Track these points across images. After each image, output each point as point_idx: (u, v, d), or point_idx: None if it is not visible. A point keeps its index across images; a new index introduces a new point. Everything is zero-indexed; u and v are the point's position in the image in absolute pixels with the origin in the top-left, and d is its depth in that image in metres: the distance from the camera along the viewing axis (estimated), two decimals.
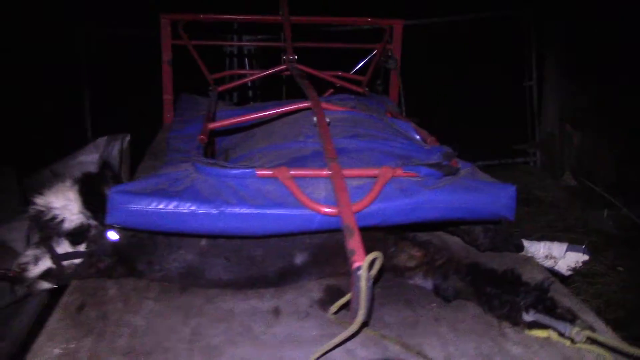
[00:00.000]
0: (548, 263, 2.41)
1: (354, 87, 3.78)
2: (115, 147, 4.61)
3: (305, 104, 2.58)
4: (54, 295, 2.19)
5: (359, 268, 1.48)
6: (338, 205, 1.78)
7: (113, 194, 1.83)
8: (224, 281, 2.08)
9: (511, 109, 6.70)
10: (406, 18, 4.51)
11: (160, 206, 1.82)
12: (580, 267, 2.45)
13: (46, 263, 2.06)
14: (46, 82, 6.86)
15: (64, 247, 2.07)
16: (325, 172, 1.96)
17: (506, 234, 2.34)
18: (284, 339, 1.79)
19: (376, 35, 4.97)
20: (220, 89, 3.61)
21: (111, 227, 2.04)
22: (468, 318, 1.93)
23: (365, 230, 1.73)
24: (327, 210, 1.80)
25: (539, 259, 2.40)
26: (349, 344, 1.71)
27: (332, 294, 2.05)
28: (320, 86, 3.58)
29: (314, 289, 2.09)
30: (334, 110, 2.63)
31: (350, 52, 5.01)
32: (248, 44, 6.02)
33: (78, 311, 1.91)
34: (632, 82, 5.20)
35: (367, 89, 3.93)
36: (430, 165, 2.03)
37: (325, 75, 3.70)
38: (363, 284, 1.46)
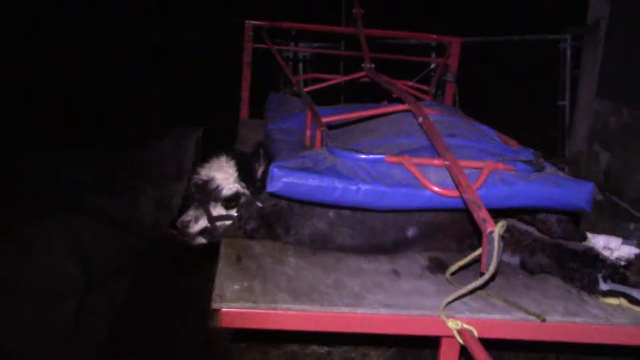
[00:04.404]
0: (606, 253, 2.85)
1: (421, 96, 4.24)
2: (192, 139, 5.08)
3: (405, 107, 3.03)
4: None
5: (492, 232, 1.92)
6: (459, 187, 2.23)
7: (274, 168, 2.28)
8: (347, 246, 2.54)
9: (545, 126, 7.17)
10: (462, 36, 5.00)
11: (310, 180, 2.27)
12: (632, 258, 2.89)
13: (203, 222, 2.52)
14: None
15: (218, 210, 2.53)
16: (443, 162, 2.40)
17: (574, 225, 2.78)
18: (409, 290, 2.24)
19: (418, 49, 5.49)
20: (307, 89, 4.05)
21: (262, 196, 2.50)
22: (552, 287, 2.38)
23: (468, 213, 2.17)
24: (447, 191, 2.26)
25: (599, 248, 2.84)
26: (465, 298, 2.15)
27: (437, 263, 2.50)
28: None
29: (423, 258, 2.54)
30: (430, 113, 3.08)
31: (401, 63, 5.47)
32: (326, 50, 6.47)
33: (238, 261, 2.36)
34: None
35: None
36: (524, 162, 2.48)
37: (398, 83, 4.15)
38: (496, 243, 1.90)
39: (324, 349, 3.60)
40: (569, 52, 6.92)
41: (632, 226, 5.59)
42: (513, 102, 8.15)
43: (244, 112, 4.76)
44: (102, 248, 3.68)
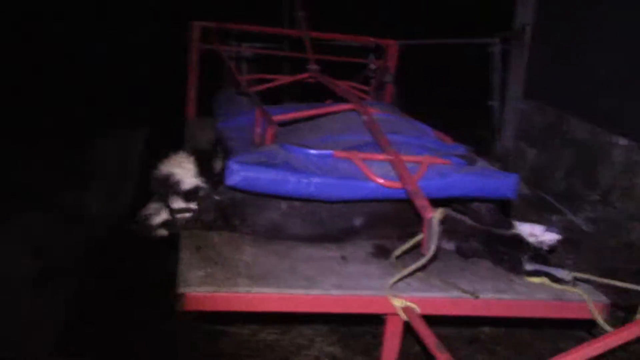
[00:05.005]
0: (531, 239, 3.16)
1: (362, 95, 4.48)
2: (140, 137, 5.17)
3: (350, 106, 3.25)
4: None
5: (432, 217, 2.16)
6: (401, 179, 2.46)
7: (233, 163, 2.45)
8: (299, 236, 2.74)
9: (475, 126, 7.59)
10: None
11: (266, 174, 2.46)
12: (554, 244, 3.21)
13: (164, 215, 2.67)
14: None
15: (178, 203, 2.68)
16: (386, 157, 2.64)
17: (502, 215, 3.07)
18: (358, 274, 2.46)
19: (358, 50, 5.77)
20: (254, 89, 4.22)
21: (219, 190, 2.67)
22: (483, 269, 2.65)
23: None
24: (390, 183, 2.49)
25: (525, 235, 3.14)
26: (408, 280, 2.39)
27: (381, 249, 2.73)
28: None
29: (368, 245, 2.77)
30: (373, 112, 3.31)
31: (341, 63, 5.70)
32: (271, 51, 6.62)
33: (198, 251, 2.52)
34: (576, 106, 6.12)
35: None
36: (459, 156, 2.75)
37: (341, 84, 4.38)
38: (435, 227, 2.14)
39: (272, 336, 3.79)
40: (497, 55, 7.34)
41: (554, 218, 6.04)
42: (447, 102, 8.56)
43: (191, 111, 4.87)
44: (56, 241, 3.76)
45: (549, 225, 3.14)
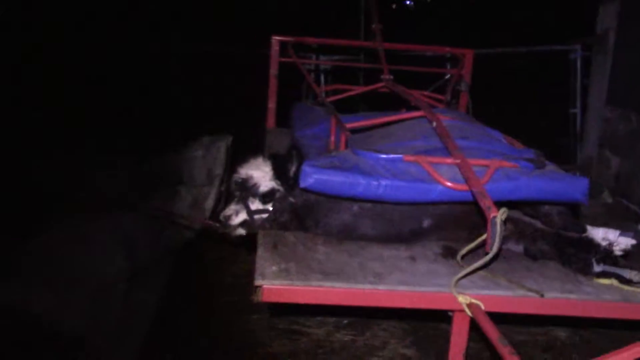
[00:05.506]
0: (604, 244, 3.14)
1: (437, 104, 4.57)
2: (221, 146, 5.45)
3: (420, 113, 3.36)
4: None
5: (495, 216, 2.24)
6: (467, 181, 2.55)
7: (306, 166, 2.63)
8: (369, 236, 2.87)
9: (557, 133, 7.47)
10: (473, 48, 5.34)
11: (337, 177, 2.61)
12: (629, 249, 3.17)
13: (243, 215, 2.88)
14: None
15: (256, 205, 2.88)
16: (454, 161, 2.73)
17: (573, 218, 3.08)
18: (425, 272, 2.57)
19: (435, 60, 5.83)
20: (331, 99, 4.41)
21: (294, 192, 2.85)
22: (551, 270, 2.69)
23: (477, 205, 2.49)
24: (457, 185, 2.58)
25: (598, 239, 3.13)
26: (471, 277, 2.47)
27: (449, 250, 2.82)
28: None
29: (436, 246, 2.87)
30: (443, 118, 3.41)
31: (418, 74, 5.81)
32: (347, 63, 6.86)
33: (274, 249, 2.70)
34: None
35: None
36: (527, 160, 2.80)
37: (415, 93, 4.49)
38: (499, 227, 2.22)
39: (347, 337, 3.93)
40: (579, 62, 7.20)
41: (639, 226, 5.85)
42: (526, 110, 8.46)
43: (271, 121, 5.11)
44: (146, 241, 4.08)
45: (630, 232, 3.13)
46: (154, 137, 6.64)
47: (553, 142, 7.44)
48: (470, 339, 2.59)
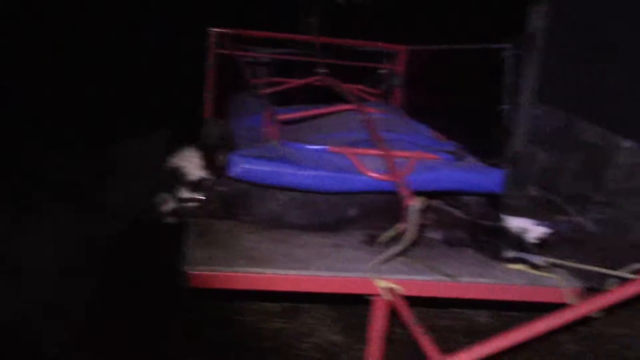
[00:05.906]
0: (518, 232, 3.32)
1: (372, 98, 4.71)
2: (159, 137, 5.43)
3: (351, 106, 3.48)
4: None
5: (412, 205, 2.37)
6: (389, 172, 2.68)
7: (234, 156, 2.70)
8: (297, 225, 2.96)
9: (487, 129, 7.74)
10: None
11: (264, 166, 2.70)
12: (545, 237, 3.36)
13: (173, 204, 2.92)
14: None
15: (186, 193, 2.93)
16: (378, 152, 2.85)
17: (489, 208, 3.26)
18: (349, 258, 2.67)
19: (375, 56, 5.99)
20: (266, 91, 4.47)
21: (222, 181, 2.91)
22: (466, 256, 2.84)
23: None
24: (380, 176, 2.70)
25: (512, 228, 3.31)
26: (393, 263, 2.59)
27: (374, 238, 2.93)
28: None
29: (360, 234, 2.98)
30: (373, 112, 3.54)
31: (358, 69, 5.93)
32: (283, 56, 6.88)
33: (203, 236, 2.76)
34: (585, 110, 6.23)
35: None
36: (448, 152, 2.96)
37: (352, 87, 4.62)
38: (414, 214, 2.34)
39: (278, 324, 4.02)
40: (510, 60, 7.49)
41: (563, 219, 6.15)
42: (461, 105, 8.71)
43: (208, 111, 5.14)
44: (82, 232, 4.08)
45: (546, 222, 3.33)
46: (92, 129, 6.54)
47: (488, 137, 7.72)
48: (395, 325, 2.71)
